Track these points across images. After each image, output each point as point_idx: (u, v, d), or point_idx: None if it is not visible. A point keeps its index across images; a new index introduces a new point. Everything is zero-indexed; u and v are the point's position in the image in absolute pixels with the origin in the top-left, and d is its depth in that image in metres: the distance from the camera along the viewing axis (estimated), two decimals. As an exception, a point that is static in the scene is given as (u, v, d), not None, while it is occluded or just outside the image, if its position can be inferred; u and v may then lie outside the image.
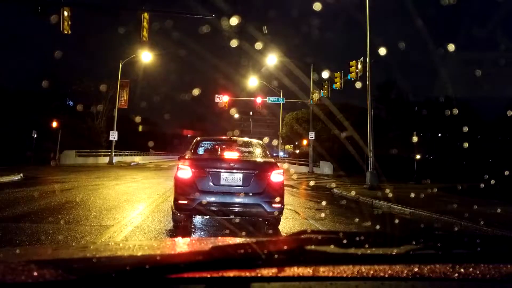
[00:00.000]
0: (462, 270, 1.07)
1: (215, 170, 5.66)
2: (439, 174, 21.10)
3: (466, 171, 22.91)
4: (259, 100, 33.56)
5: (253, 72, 33.07)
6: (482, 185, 13.32)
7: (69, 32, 15.85)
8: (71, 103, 41.31)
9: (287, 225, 6.79)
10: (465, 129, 25.71)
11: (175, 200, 5.67)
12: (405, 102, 37.14)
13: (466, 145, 24.72)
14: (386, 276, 1.04)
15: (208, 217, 6.58)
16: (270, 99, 32.46)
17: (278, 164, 6.28)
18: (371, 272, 1.04)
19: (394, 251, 1.15)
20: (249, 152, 6.87)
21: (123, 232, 5.63)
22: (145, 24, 16.26)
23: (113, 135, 29.57)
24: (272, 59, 27.79)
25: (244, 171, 5.70)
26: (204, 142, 7.02)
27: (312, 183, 18.75)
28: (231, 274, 0.99)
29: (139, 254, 1.26)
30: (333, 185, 16.98)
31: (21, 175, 14.12)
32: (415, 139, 21.38)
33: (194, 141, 6.88)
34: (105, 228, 5.82)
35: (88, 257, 1.17)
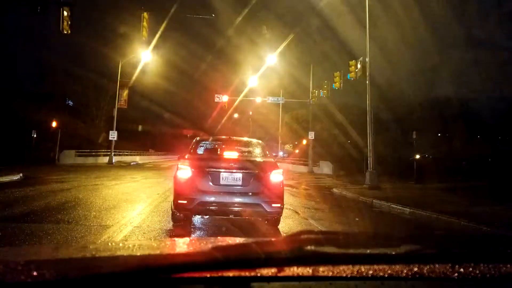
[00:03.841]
0: (461, 270, 1.07)
1: (214, 169, 5.66)
2: (439, 174, 21.09)
3: (466, 171, 22.92)
4: (258, 100, 33.57)
5: (253, 72, 33.05)
6: (482, 185, 13.33)
7: (69, 32, 15.83)
8: (70, 103, 41.33)
9: (287, 225, 6.79)
10: (465, 129, 25.73)
11: (175, 200, 5.66)
12: (405, 102, 37.20)
13: (466, 145, 24.74)
14: (386, 276, 1.04)
15: (207, 217, 6.58)
16: (270, 99, 32.46)
17: (278, 163, 6.28)
18: (371, 272, 1.04)
19: (393, 251, 1.15)
20: (249, 151, 6.87)
21: (123, 232, 5.63)
22: (145, 23, 16.28)
23: (113, 135, 29.59)
24: (272, 59, 27.78)
25: (243, 170, 5.69)
26: (204, 142, 7.02)
27: (311, 183, 18.75)
28: (231, 274, 0.99)
29: (139, 254, 1.26)
30: (333, 184, 16.98)
31: (21, 175, 14.12)
32: (415, 139, 21.39)
33: (194, 140, 6.87)
34: (104, 228, 5.82)
35: (88, 257, 1.17)
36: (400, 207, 9.68)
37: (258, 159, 6.33)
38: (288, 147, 51.86)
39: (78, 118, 36.13)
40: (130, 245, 1.52)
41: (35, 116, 28.72)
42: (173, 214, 6.02)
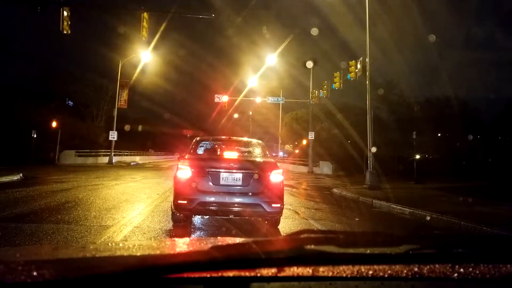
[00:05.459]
0: (461, 270, 1.07)
1: (214, 170, 5.66)
2: (439, 174, 21.11)
3: (466, 171, 22.94)
4: (258, 100, 33.60)
5: (252, 72, 33.06)
6: (482, 185, 13.33)
7: (69, 32, 15.84)
8: (70, 103, 41.36)
9: (287, 225, 6.79)
10: (465, 129, 25.72)
11: (175, 200, 5.66)
12: (405, 102, 37.17)
13: (465, 145, 24.74)
14: (386, 276, 1.04)
15: (207, 217, 6.58)
16: (270, 99, 32.45)
17: (278, 164, 6.28)
18: (371, 272, 1.04)
19: (393, 251, 1.15)
20: (249, 152, 6.88)
21: (123, 232, 5.63)
22: (145, 23, 16.27)
23: (113, 135, 29.59)
24: (272, 59, 27.79)
25: (243, 171, 5.69)
26: (204, 142, 7.02)
27: (311, 183, 18.76)
28: (231, 274, 0.99)
29: (139, 254, 1.26)
30: (333, 185, 16.98)
31: (21, 175, 14.12)
32: (415, 139, 21.39)
33: (194, 141, 6.88)
34: (104, 228, 5.82)
35: (88, 257, 1.17)
36: (400, 207, 9.68)
37: (258, 159, 6.33)
38: (288, 147, 51.82)
39: (78, 118, 36.14)
40: (130, 245, 1.52)
41: (35, 116, 28.69)
42: (173, 214, 6.02)
